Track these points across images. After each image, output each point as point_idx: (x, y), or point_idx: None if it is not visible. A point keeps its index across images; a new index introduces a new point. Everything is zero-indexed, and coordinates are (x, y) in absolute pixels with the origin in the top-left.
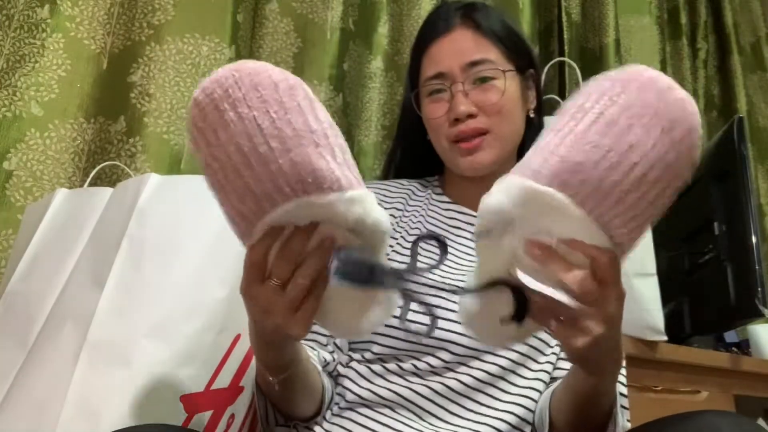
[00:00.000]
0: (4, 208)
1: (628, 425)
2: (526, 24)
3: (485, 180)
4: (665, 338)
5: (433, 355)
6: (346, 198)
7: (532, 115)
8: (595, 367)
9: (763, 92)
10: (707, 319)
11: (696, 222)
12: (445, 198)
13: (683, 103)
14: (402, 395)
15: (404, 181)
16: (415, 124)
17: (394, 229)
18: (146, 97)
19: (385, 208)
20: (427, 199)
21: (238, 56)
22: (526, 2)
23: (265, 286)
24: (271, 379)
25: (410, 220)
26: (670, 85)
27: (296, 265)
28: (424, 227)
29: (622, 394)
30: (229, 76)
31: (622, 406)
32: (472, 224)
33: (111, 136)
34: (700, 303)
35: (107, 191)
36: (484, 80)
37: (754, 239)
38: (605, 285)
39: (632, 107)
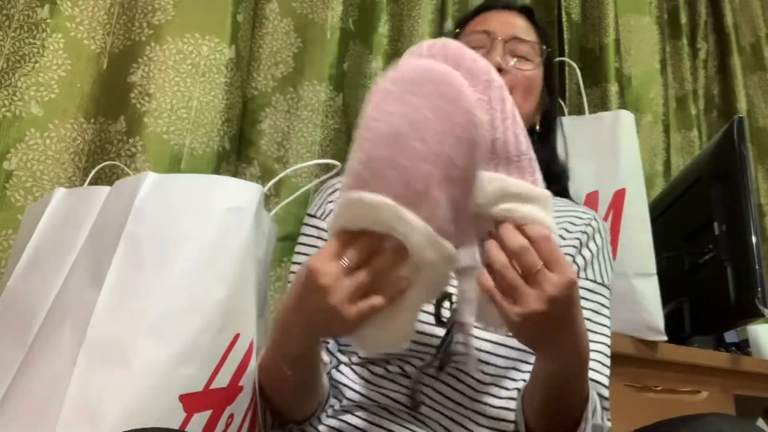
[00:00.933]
0: (4, 208)
1: (609, 425)
2: None
3: None
4: (665, 338)
5: (421, 359)
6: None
7: (537, 128)
8: (542, 347)
9: (763, 92)
10: (707, 319)
11: (696, 222)
12: None
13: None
14: (394, 399)
15: None
16: None
17: None
18: (146, 97)
19: None
20: None
21: (238, 56)
22: (526, 2)
23: (337, 263)
24: (289, 372)
25: None
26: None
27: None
28: None
29: (602, 396)
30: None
31: (604, 408)
32: None
33: (111, 136)
34: (700, 303)
35: (105, 190)
36: (522, 57)
37: (754, 239)
38: (546, 263)
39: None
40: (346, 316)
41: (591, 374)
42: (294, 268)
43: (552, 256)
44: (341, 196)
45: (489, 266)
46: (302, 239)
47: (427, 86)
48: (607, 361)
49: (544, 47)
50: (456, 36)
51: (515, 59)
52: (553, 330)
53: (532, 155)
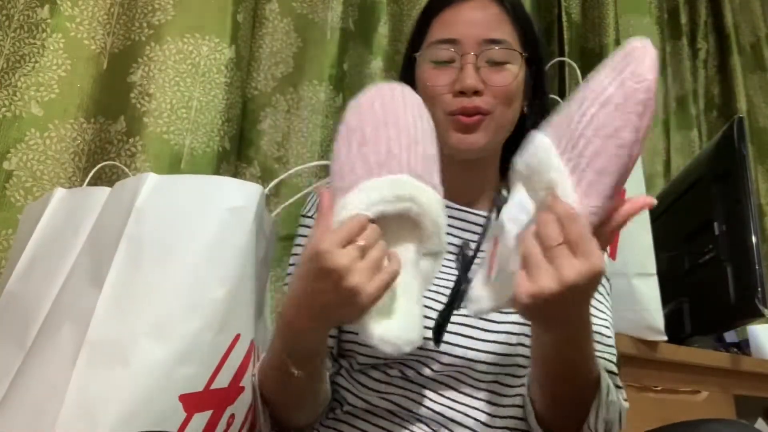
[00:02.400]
0: (4, 208)
1: (626, 405)
2: None
3: (471, 167)
4: (665, 338)
5: (424, 364)
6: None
7: (525, 110)
8: (544, 325)
9: (763, 92)
10: (707, 319)
11: (696, 222)
12: None
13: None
14: (399, 404)
15: None
16: None
17: None
18: (146, 97)
19: None
20: None
21: (238, 56)
22: (526, 2)
23: (348, 248)
24: (295, 371)
25: None
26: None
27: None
28: None
29: (611, 372)
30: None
31: (617, 386)
32: (464, 220)
33: (111, 136)
34: (700, 303)
35: (105, 191)
36: (498, 63)
37: (754, 239)
38: (567, 243)
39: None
40: (367, 292)
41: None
42: (291, 269)
43: (578, 239)
44: (355, 187)
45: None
46: (298, 240)
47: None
48: (611, 341)
49: (522, 32)
50: (413, 60)
51: (494, 65)
52: (560, 314)
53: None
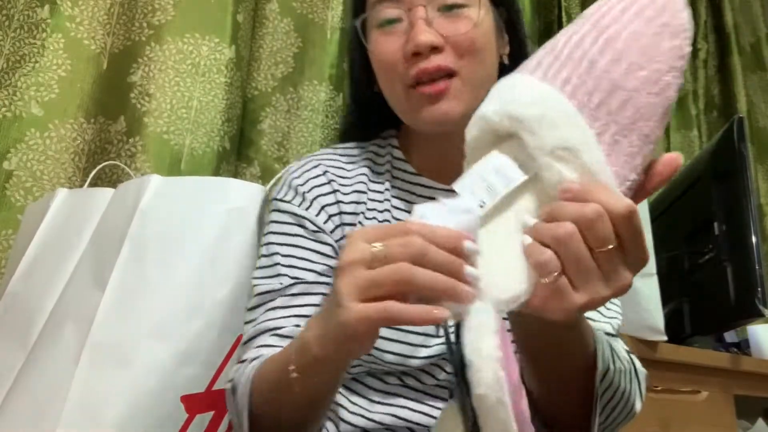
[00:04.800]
0: (4, 208)
1: (643, 371)
2: (526, 24)
3: (452, 140)
4: (665, 338)
5: (428, 372)
6: None
7: (506, 62)
8: (563, 324)
9: (763, 92)
10: (707, 319)
11: (696, 222)
12: (409, 167)
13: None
14: (398, 416)
15: (357, 150)
16: (363, 70)
17: (358, 219)
18: (146, 97)
19: (345, 193)
20: (389, 171)
21: (238, 56)
22: (526, 2)
23: (367, 247)
24: (297, 376)
25: (376, 202)
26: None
27: None
28: (393, 216)
29: (610, 334)
30: None
31: (629, 351)
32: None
33: (111, 136)
34: (700, 303)
35: (108, 192)
36: (452, 7)
37: (754, 239)
38: (621, 245)
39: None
40: (353, 310)
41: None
42: (262, 262)
43: (637, 240)
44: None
45: (539, 233)
46: (272, 227)
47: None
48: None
49: None
50: (363, 26)
51: (449, 10)
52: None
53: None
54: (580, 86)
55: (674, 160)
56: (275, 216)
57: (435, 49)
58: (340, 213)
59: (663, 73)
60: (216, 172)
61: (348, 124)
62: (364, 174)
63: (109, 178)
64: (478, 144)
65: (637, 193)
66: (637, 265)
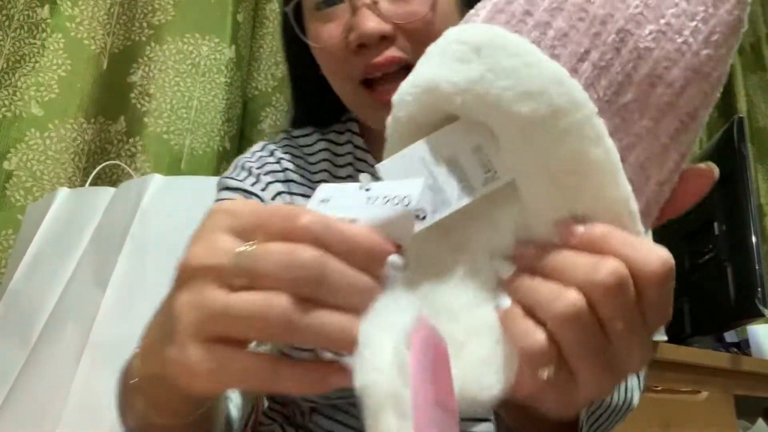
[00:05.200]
0: (4, 208)
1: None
2: None
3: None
4: (665, 338)
5: None
6: None
7: None
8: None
9: (763, 92)
10: (707, 319)
11: (696, 222)
12: (370, 159)
13: None
14: None
15: (315, 137)
16: (304, 57)
17: None
18: (146, 97)
19: (300, 184)
20: (350, 164)
21: (238, 56)
22: None
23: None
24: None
25: None
26: None
27: None
28: None
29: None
30: None
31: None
32: None
33: (111, 136)
34: (700, 303)
35: (109, 191)
36: None
37: (754, 239)
38: (645, 307)
39: None
40: (184, 355)
41: None
42: None
43: (665, 302)
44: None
45: (524, 300)
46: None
47: None
48: None
49: None
50: (296, 13)
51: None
52: None
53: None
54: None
55: (711, 171)
56: (223, 194)
57: (385, 39)
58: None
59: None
60: (216, 172)
61: (297, 114)
62: (325, 170)
63: (110, 178)
64: (408, 128)
65: (665, 205)
66: (657, 326)
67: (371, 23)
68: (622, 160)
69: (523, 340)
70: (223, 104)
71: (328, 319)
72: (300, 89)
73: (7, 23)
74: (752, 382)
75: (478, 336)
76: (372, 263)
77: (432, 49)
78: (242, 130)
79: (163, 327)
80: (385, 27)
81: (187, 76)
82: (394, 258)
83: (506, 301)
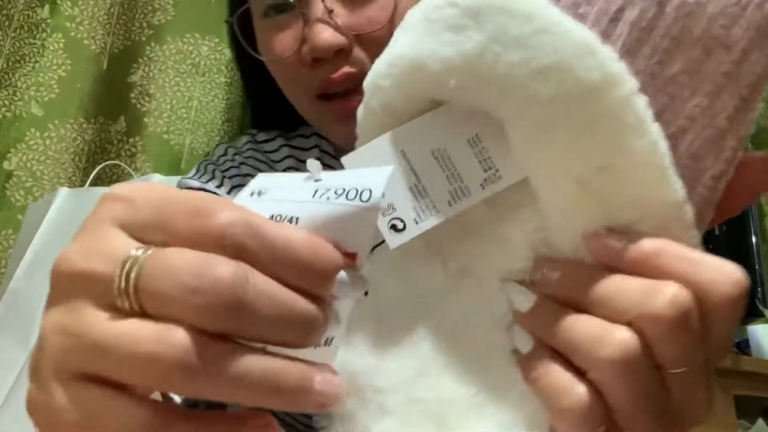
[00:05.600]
0: (4, 208)
1: None
2: None
3: None
4: None
5: None
6: None
7: None
8: None
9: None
10: None
11: None
12: (339, 165)
13: None
14: None
15: (280, 142)
16: (257, 65)
17: None
18: (146, 97)
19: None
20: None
21: None
22: None
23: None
24: None
25: None
26: None
27: None
28: None
29: None
30: None
31: None
32: None
33: (111, 136)
34: None
35: None
36: None
37: (754, 239)
38: (708, 339)
39: None
40: (47, 395)
41: None
42: None
43: (731, 328)
44: None
45: (559, 344)
46: None
47: None
48: None
49: None
50: (241, 22)
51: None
52: None
53: None
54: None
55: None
56: None
57: (342, 51)
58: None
59: None
60: None
61: (257, 120)
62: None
63: (110, 178)
64: (382, 118)
65: (719, 203)
66: (716, 361)
67: (325, 35)
68: (671, 150)
69: (557, 396)
70: (223, 104)
71: (248, 364)
72: (256, 98)
73: (7, 23)
74: (752, 382)
75: (494, 394)
76: (315, 281)
77: (411, 17)
78: (242, 130)
79: (35, 354)
80: (341, 40)
81: (187, 76)
82: (346, 276)
83: (526, 342)
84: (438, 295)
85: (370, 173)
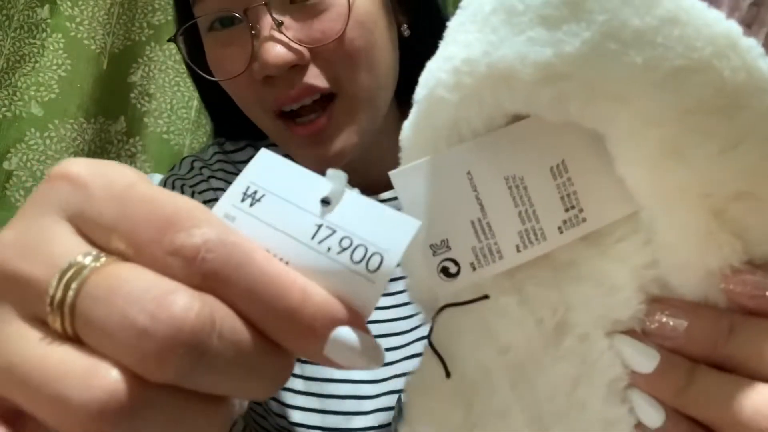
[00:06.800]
0: (4, 208)
1: None
2: None
3: (370, 148)
4: None
5: None
6: None
7: (406, 34)
8: None
9: None
10: None
11: None
12: None
13: None
14: None
15: (246, 153)
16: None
17: None
18: (146, 97)
19: None
20: None
21: None
22: None
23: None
24: None
25: None
26: None
27: None
28: None
29: None
30: None
31: None
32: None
33: (111, 136)
34: None
35: None
36: (312, 7)
37: None
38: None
39: None
40: None
41: None
42: None
43: None
44: None
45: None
46: None
47: None
48: None
49: None
50: (187, 39)
51: (299, 7)
52: None
53: None
54: None
55: None
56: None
57: (296, 66)
58: None
59: None
60: None
61: (219, 130)
62: None
63: None
64: (449, 138)
65: None
66: None
67: (276, 51)
68: None
69: None
70: None
71: (187, 417)
72: (216, 113)
73: (7, 23)
74: None
75: None
76: (299, 335)
77: (476, 7)
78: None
79: None
80: (293, 56)
81: (187, 76)
82: (346, 334)
83: (656, 414)
84: (534, 363)
85: (393, 223)
